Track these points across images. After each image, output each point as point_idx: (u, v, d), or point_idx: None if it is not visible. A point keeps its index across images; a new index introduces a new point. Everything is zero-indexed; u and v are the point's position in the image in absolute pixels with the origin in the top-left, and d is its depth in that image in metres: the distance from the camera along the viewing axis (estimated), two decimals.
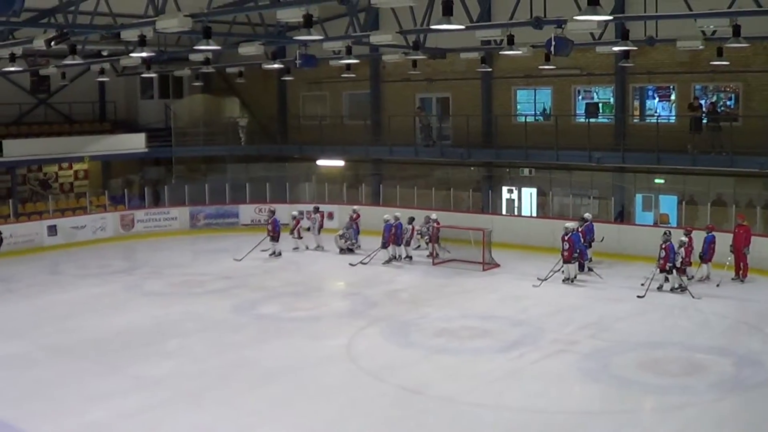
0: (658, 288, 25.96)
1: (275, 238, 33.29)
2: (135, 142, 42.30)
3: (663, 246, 25.96)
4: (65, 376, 19.22)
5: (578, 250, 27.90)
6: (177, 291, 28.08)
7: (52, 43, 22.97)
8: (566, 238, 27.65)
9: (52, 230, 36.98)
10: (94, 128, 43.87)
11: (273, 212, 34.02)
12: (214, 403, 17.46)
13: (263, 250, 33.22)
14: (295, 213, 34.83)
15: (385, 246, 31.55)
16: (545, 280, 27.56)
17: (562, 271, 27.91)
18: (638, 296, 25.41)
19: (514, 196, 38.32)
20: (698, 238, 27.34)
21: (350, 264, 31.25)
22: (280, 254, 33.22)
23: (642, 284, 25.91)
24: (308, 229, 34.79)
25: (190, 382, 18.69)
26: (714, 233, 27.55)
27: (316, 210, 35.25)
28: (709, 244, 27.35)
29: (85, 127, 43.73)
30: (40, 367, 19.88)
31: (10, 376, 19.39)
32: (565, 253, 27.67)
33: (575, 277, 27.84)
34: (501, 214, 37.00)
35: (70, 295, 27.12)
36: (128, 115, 46.48)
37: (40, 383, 18.49)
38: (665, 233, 26.51)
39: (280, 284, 28.72)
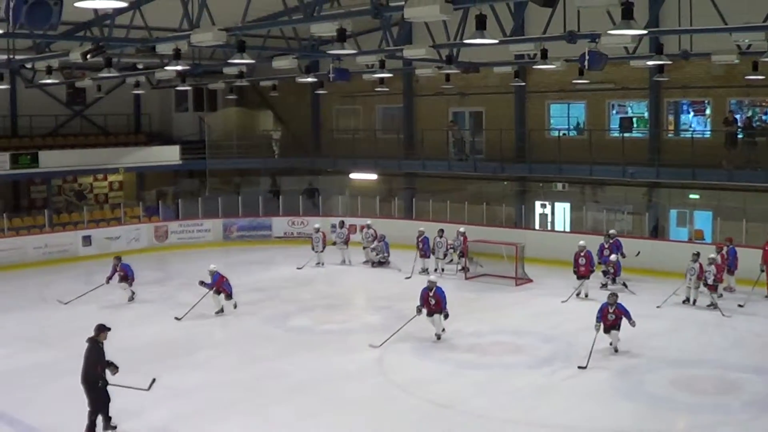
0: (689, 303, 25.88)
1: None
2: (169, 154, 42.57)
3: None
4: None
5: (612, 268, 27.97)
6: (209, 302, 28.12)
7: (88, 56, 23.17)
8: (582, 254, 27.55)
9: (87, 240, 37.28)
10: (129, 140, 44.27)
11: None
12: (243, 415, 17.52)
13: (299, 268, 33.39)
14: (317, 225, 34.88)
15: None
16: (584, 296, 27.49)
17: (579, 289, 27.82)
18: (657, 306, 25.61)
19: (548, 210, 38.20)
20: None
21: (406, 277, 31.24)
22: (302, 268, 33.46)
23: (659, 306, 25.80)
24: (334, 243, 34.82)
25: (220, 394, 18.73)
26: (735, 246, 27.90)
27: (342, 224, 35.25)
28: (734, 257, 27.63)
29: (120, 138, 44.11)
30: (71, 377, 19.84)
31: (41, 384, 19.51)
32: (582, 269, 27.57)
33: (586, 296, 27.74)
34: (534, 229, 36.91)
35: (103, 304, 27.23)
36: (163, 128, 46.81)
37: (71, 392, 18.50)
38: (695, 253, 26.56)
39: (312, 297, 28.73)
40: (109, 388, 15.79)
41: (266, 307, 27.13)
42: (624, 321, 21.20)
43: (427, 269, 31.82)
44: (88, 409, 15.79)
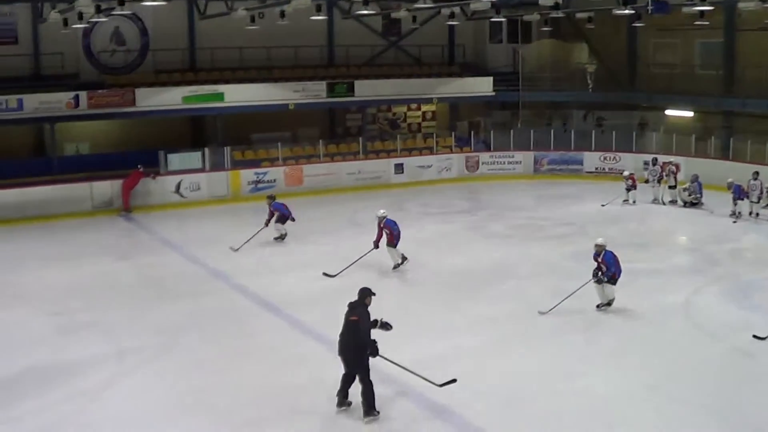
0: None
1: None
2: (482, 86, 42.89)
3: None
4: (407, 309, 19.98)
5: None
6: (517, 234, 28.45)
7: None
8: None
9: (399, 168, 38.50)
10: (443, 71, 44.77)
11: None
12: (544, 346, 17.78)
13: (603, 205, 32.99)
14: (626, 173, 34.18)
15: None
16: None
17: None
18: None
19: None
20: None
21: (733, 222, 30.16)
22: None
23: None
24: (647, 181, 34.05)
25: (523, 324, 19.02)
26: None
27: (655, 161, 34.41)
28: None
29: (433, 69, 44.69)
30: (387, 299, 20.69)
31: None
32: None
33: None
34: None
35: (415, 232, 27.95)
36: (476, 59, 47.12)
37: (385, 313, 19.22)
38: None
39: (620, 235, 28.27)
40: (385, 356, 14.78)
41: (573, 242, 27.04)
42: None
43: (740, 213, 30.61)
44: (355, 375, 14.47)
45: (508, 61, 46.20)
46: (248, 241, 26.23)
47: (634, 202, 33.20)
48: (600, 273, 19.75)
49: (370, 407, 14.20)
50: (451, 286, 22.22)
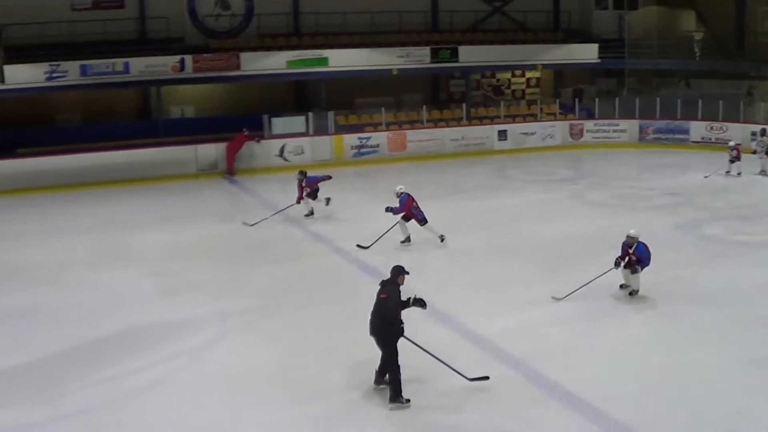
0: None
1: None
2: (587, 53, 42.34)
3: None
4: (508, 276, 20.08)
5: None
6: (620, 203, 28.05)
7: None
8: None
9: (503, 135, 38.41)
10: (547, 37, 44.27)
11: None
12: (642, 320, 17.36)
13: (705, 177, 32.07)
14: (732, 143, 33.21)
15: None
16: None
17: None
18: None
19: None
20: None
21: None
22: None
23: None
24: (754, 152, 33.13)
25: (619, 298, 18.50)
26: None
27: (763, 132, 33.47)
28: None
29: (538, 35, 44.24)
30: (488, 264, 20.76)
31: (460, 270, 20.59)
32: None
33: None
34: None
35: (517, 199, 27.83)
36: (582, 25, 46.46)
37: (485, 279, 19.11)
38: None
39: (726, 206, 27.82)
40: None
41: (679, 212, 26.54)
42: None
43: None
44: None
45: (614, 28, 45.43)
46: (267, 219, 25.52)
47: (738, 173, 32.25)
48: (622, 261, 18.40)
49: (396, 393, 13.38)
50: (551, 254, 21.93)
